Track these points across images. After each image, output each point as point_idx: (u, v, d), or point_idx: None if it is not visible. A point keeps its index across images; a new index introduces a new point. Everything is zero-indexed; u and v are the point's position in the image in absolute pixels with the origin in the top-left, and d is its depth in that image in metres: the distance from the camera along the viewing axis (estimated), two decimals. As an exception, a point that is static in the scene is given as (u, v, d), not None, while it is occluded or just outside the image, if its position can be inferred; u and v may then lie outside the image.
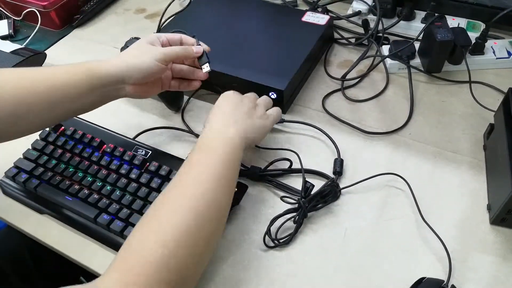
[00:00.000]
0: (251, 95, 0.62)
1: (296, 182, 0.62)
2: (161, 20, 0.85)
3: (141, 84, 0.59)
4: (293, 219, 0.56)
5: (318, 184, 0.61)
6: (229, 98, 0.59)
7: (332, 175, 0.62)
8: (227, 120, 0.55)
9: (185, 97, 0.74)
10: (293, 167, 0.63)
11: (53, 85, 0.53)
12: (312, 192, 0.59)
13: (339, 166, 0.62)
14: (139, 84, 0.58)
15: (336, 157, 0.64)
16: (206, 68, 0.63)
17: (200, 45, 0.63)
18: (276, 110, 0.63)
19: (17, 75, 0.54)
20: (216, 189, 0.48)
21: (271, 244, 0.55)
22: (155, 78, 0.60)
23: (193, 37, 0.64)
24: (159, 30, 0.73)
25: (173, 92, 0.69)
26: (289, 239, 0.55)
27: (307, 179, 0.60)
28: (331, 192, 0.58)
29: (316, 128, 0.68)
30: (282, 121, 0.69)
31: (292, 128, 0.70)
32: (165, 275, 0.41)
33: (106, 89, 0.56)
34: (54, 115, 0.55)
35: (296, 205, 0.57)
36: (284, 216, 0.56)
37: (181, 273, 0.43)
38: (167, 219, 0.44)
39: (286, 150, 0.65)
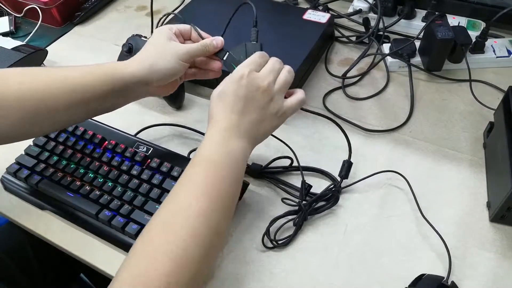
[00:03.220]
0: (270, 77, 0.50)
1: (297, 180, 0.62)
2: (153, 17, 0.85)
3: (165, 84, 0.57)
4: (293, 221, 0.56)
5: (320, 182, 0.61)
6: (239, 90, 0.49)
7: (333, 173, 0.62)
8: (232, 126, 0.48)
9: (186, 94, 0.74)
10: (294, 164, 0.63)
11: (72, 88, 0.52)
12: (312, 192, 0.59)
13: (346, 169, 0.59)
14: (163, 85, 0.56)
15: (345, 159, 0.61)
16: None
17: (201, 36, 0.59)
18: (296, 101, 0.53)
19: (30, 77, 0.52)
20: (215, 207, 0.45)
21: (270, 245, 0.55)
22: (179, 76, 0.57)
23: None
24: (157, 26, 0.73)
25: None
26: (288, 241, 0.55)
27: (308, 179, 0.60)
28: (333, 196, 0.57)
29: (333, 121, 0.61)
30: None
31: (297, 120, 0.69)
32: None
33: (129, 92, 0.55)
34: (75, 115, 0.54)
35: (297, 207, 0.57)
36: (284, 217, 0.56)
37: None
38: (162, 244, 0.42)
39: (286, 146, 0.64)
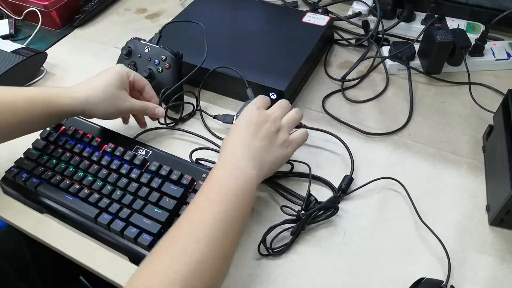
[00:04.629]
0: (277, 112, 0.56)
1: (296, 186, 0.62)
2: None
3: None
4: (290, 230, 0.56)
5: (318, 189, 0.61)
6: (251, 118, 0.54)
7: (331, 178, 0.62)
8: (242, 151, 0.51)
9: (186, 97, 0.74)
10: (296, 171, 0.63)
11: (14, 113, 0.57)
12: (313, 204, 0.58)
13: (346, 184, 0.60)
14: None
15: (347, 174, 0.61)
16: None
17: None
18: (301, 134, 0.58)
19: None
20: (222, 233, 0.45)
21: (265, 252, 0.55)
22: None
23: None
24: (160, 32, 0.73)
25: (173, 93, 0.69)
26: (284, 250, 0.55)
27: (306, 184, 0.59)
28: (332, 208, 0.57)
29: (336, 138, 0.66)
30: (303, 127, 0.65)
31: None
32: None
33: (63, 118, 0.64)
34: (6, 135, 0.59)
35: (295, 217, 0.56)
36: (282, 225, 0.55)
37: None
38: (169, 263, 0.42)
39: (298, 162, 0.63)
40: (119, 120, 0.70)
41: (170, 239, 0.45)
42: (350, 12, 0.88)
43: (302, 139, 0.58)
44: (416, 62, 0.77)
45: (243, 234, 0.50)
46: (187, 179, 0.58)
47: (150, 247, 0.54)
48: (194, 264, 0.42)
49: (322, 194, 0.60)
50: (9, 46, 0.83)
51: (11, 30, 0.93)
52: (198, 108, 0.72)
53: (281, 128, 0.55)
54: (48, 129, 0.67)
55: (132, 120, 0.72)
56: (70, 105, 0.59)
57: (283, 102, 0.58)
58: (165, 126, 0.71)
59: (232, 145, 0.53)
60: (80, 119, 0.68)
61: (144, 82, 0.67)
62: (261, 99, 0.59)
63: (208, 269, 0.43)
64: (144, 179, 0.59)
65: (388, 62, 0.78)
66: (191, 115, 0.72)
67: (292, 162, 0.62)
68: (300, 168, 0.63)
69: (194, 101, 0.74)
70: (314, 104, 0.74)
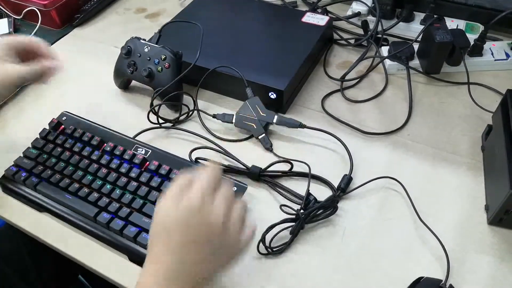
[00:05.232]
0: (222, 205, 0.42)
1: (296, 185, 0.62)
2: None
3: None
4: (289, 229, 0.56)
5: (318, 189, 0.61)
6: (193, 212, 0.40)
7: (330, 177, 0.62)
8: (173, 269, 0.39)
9: (185, 96, 0.74)
10: (295, 171, 0.63)
11: None
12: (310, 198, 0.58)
13: (345, 183, 0.60)
14: None
15: (346, 173, 0.62)
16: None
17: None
18: (250, 235, 0.45)
19: None
20: None
21: (265, 251, 0.55)
22: None
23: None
24: (160, 32, 0.74)
25: (171, 92, 0.70)
26: (283, 249, 0.55)
27: (305, 184, 0.60)
28: (331, 207, 0.57)
29: (335, 138, 0.66)
30: (302, 126, 0.66)
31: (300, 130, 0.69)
32: None
33: None
34: None
35: (294, 216, 0.56)
36: (281, 224, 0.55)
37: None
38: None
39: (297, 161, 0.63)
40: (119, 119, 0.70)
41: None
42: (349, 12, 0.88)
43: (252, 233, 0.45)
44: (415, 62, 0.77)
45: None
46: (187, 178, 0.58)
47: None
48: None
49: (321, 194, 0.60)
50: (9, 45, 0.83)
51: (11, 29, 0.93)
52: (195, 107, 0.72)
53: (233, 209, 0.43)
54: (47, 128, 0.67)
55: (131, 119, 0.72)
56: None
57: (226, 191, 0.44)
58: (163, 126, 0.71)
59: (160, 268, 0.40)
60: (79, 118, 0.68)
61: (35, 41, 0.60)
62: (205, 182, 0.43)
63: None
64: (143, 178, 0.59)
65: (388, 62, 0.78)
66: (189, 115, 0.72)
67: (292, 161, 0.63)
68: (299, 167, 0.63)
69: (193, 101, 0.74)
70: (313, 103, 0.74)
